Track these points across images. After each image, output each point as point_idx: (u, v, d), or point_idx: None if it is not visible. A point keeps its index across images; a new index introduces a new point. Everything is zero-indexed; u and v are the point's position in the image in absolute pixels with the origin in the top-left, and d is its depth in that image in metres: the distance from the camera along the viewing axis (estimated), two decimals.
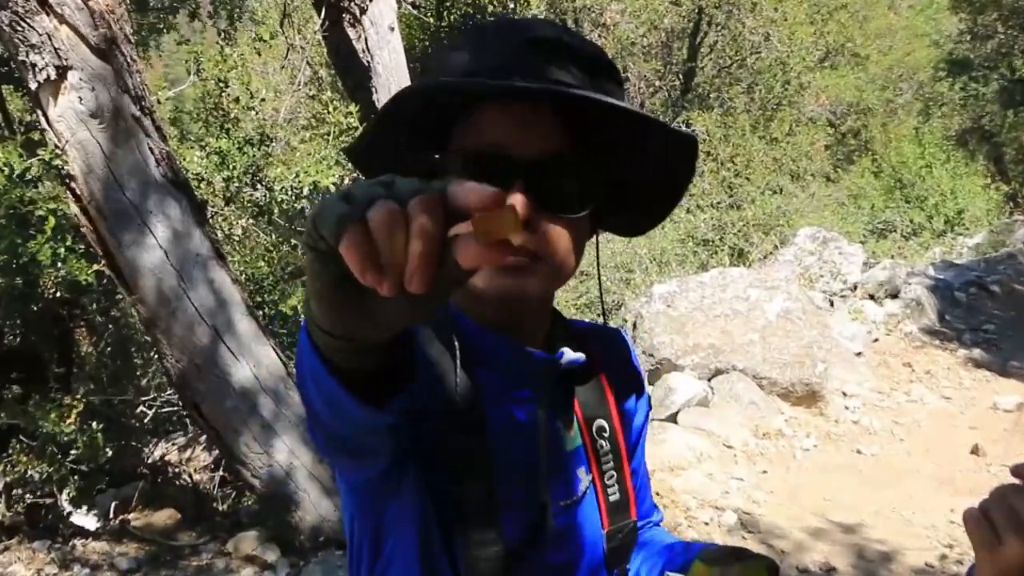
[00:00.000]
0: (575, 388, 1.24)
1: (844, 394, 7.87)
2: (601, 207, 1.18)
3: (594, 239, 1.24)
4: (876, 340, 9.38)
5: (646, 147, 1.13)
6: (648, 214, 1.27)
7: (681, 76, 17.73)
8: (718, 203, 13.36)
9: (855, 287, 10.75)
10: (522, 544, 1.12)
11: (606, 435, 1.26)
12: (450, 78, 1.08)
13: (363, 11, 7.66)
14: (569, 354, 1.21)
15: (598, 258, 1.32)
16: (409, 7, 12.32)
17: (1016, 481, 1.00)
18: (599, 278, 1.39)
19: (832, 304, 10.17)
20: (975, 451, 6.78)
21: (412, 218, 0.60)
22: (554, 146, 1.08)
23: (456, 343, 1.11)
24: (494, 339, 1.15)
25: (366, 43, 7.72)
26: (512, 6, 12.95)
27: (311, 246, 0.65)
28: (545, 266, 1.10)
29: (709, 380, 7.50)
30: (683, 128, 1.12)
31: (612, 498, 1.25)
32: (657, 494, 5.70)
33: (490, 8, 12.86)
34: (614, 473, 1.26)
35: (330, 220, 0.62)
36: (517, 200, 1.00)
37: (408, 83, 7.91)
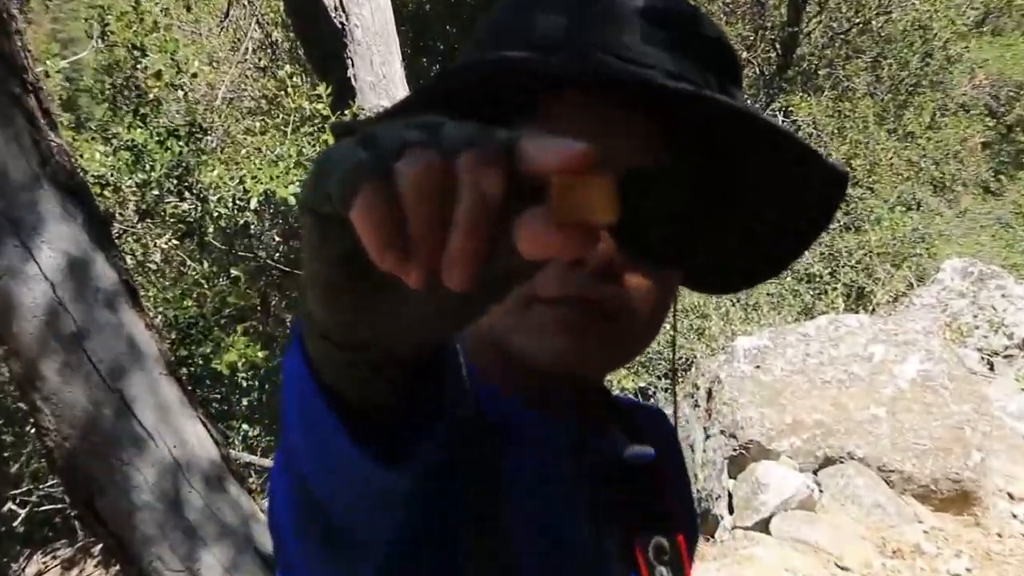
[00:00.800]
0: (629, 492, 1.22)
1: (1010, 496, 7.80)
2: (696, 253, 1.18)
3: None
4: None
5: (773, 178, 1.12)
6: (751, 270, 1.28)
7: (778, 45, 17.80)
8: None
9: None
10: None
11: (666, 558, 1.23)
12: (516, 52, 1.06)
13: None
14: (634, 447, 1.20)
15: (675, 309, 1.27)
16: None
17: None
18: (675, 329, 1.37)
19: (992, 367, 10.09)
20: None
21: (462, 178, 0.55)
22: (651, 160, 1.06)
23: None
24: (519, 408, 1.13)
25: None
26: None
27: (310, 207, 0.60)
28: (618, 331, 1.08)
29: (815, 472, 7.47)
30: (832, 159, 1.10)
31: None
32: None
33: None
34: None
35: (341, 171, 0.57)
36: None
37: (397, 52, 7.98)
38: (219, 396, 5.95)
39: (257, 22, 14.22)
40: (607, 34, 1.03)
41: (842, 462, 7.50)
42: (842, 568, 6.53)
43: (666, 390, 9.45)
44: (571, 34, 1.04)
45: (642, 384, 9.55)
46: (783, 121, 15.44)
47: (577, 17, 1.05)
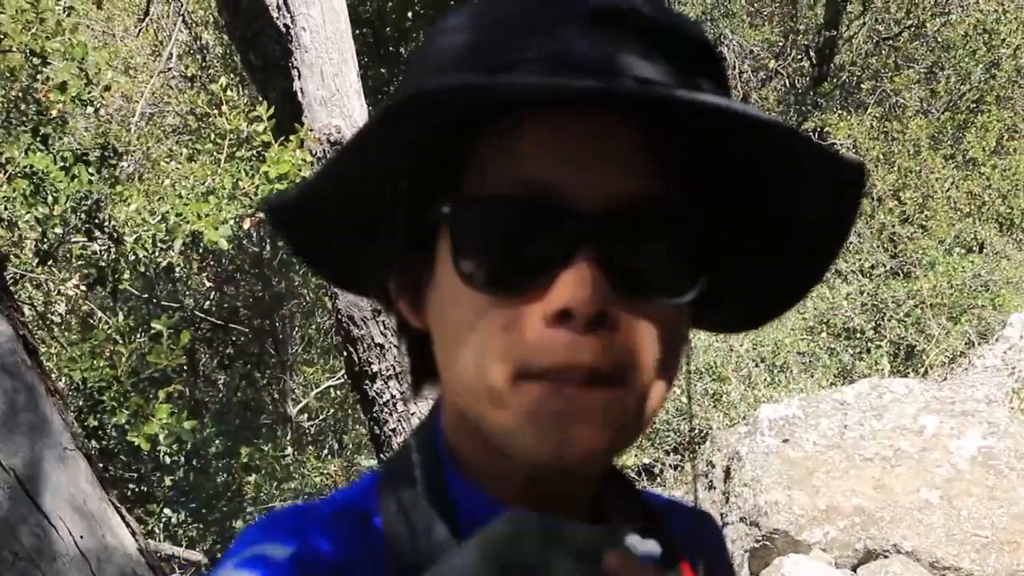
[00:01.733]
0: None
1: None
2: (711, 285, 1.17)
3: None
4: None
5: (780, 186, 1.13)
6: (767, 299, 1.30)
7: (813, 53, 17.90)
8: (872, 268, 13.46)
9: None
10: None
11: None
12: (461, 77, 1.07)
13: None
14: (638, 543, 1.20)
15: (689, 367, 1.28)
16: None
17: None
18: (689, 397, 1.40)
19: None
20: None
21: None
22: (647, 186, 1.07)
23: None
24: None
25: None
26: None
27: None
28: (626, 393, 1.07)
29: (854, 568, 7.48)
30: (844, 151, 1.09)
31: None
32: None
33: None
34: None
35: None
36: (582, 278, 1.01)
37: (353, 61, 8.03)
38: (136, 475, 5.90)
39: (183, 21, 14.23)
40: (564, 44, 1.05)
41: (886, 556, 7.49)
42: None
43: (676, 467, 9.46)
44: (524, 49, 1.05)
45: (647, 460, 9.58)
46: None
47: (526, 28, 1.06)
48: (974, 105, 17.11)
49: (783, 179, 1.11)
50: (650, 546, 1.21)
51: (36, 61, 6.10)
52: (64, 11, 6.37)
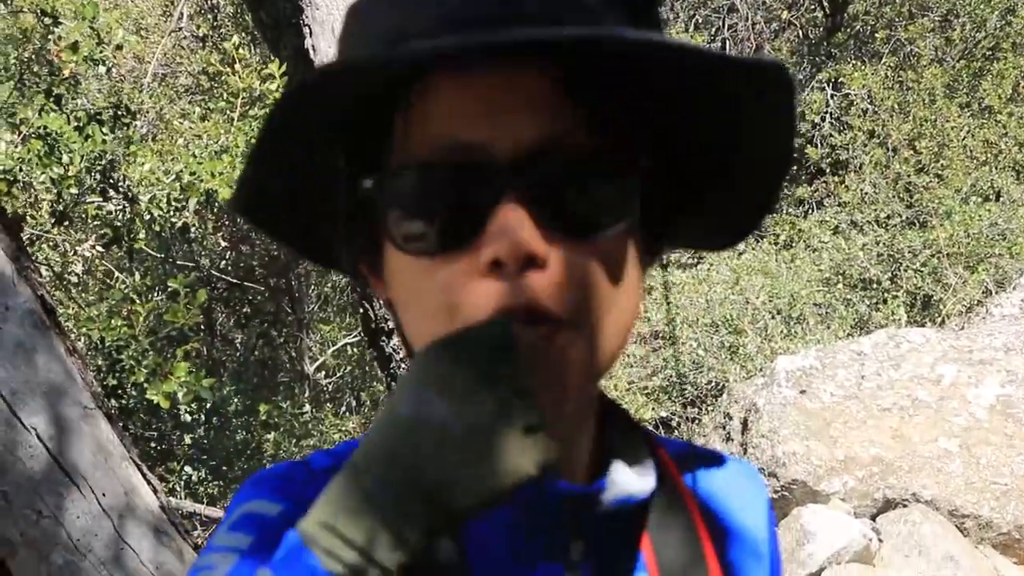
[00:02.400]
0: (644, 536, 1.25)
1: None
2: (658, 213, 1.20)
3: (659, 269, 1.28)
4: None
5: (711, 103, 1.12)
6: (727, 219, 1.30)
7: (826, 3, 17.79)
8: (887, 218, 13.41)
9: None
10: None
11: None
12: (361, 53, 1.11)
13: None
14: (622, 480, 1.22)
15: (668, 299, 1.30)
16: None
17: None
18: (670, 315, 1.38)
19: None
20: None
21: None
22: (557, 126, 1.08)
23: None
24: None
25: None
26: None
27: None
28: (578, 331, 1.08)
29: (873, 518, 7.48)
30: (765, 56, 1.07)
31: None
32: None
33: None
34: None
35: None
36: (507, 226, 1.03)
37: None
38: (156, 433, 5.91)
39: None
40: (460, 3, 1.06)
41: (905, 505, 7.50)
42: None
43: (692, 420, 9.44)
44: (408, 17, 1.08)
45: (664, 414, 9.59)
46: (832, 95, 15.46)
47: None
48: (989, 52, 16.94)
49: (715, 100, 1.11)
50: (640, 484, 1.22)
51: (48, 22, 6.07)
52: None
